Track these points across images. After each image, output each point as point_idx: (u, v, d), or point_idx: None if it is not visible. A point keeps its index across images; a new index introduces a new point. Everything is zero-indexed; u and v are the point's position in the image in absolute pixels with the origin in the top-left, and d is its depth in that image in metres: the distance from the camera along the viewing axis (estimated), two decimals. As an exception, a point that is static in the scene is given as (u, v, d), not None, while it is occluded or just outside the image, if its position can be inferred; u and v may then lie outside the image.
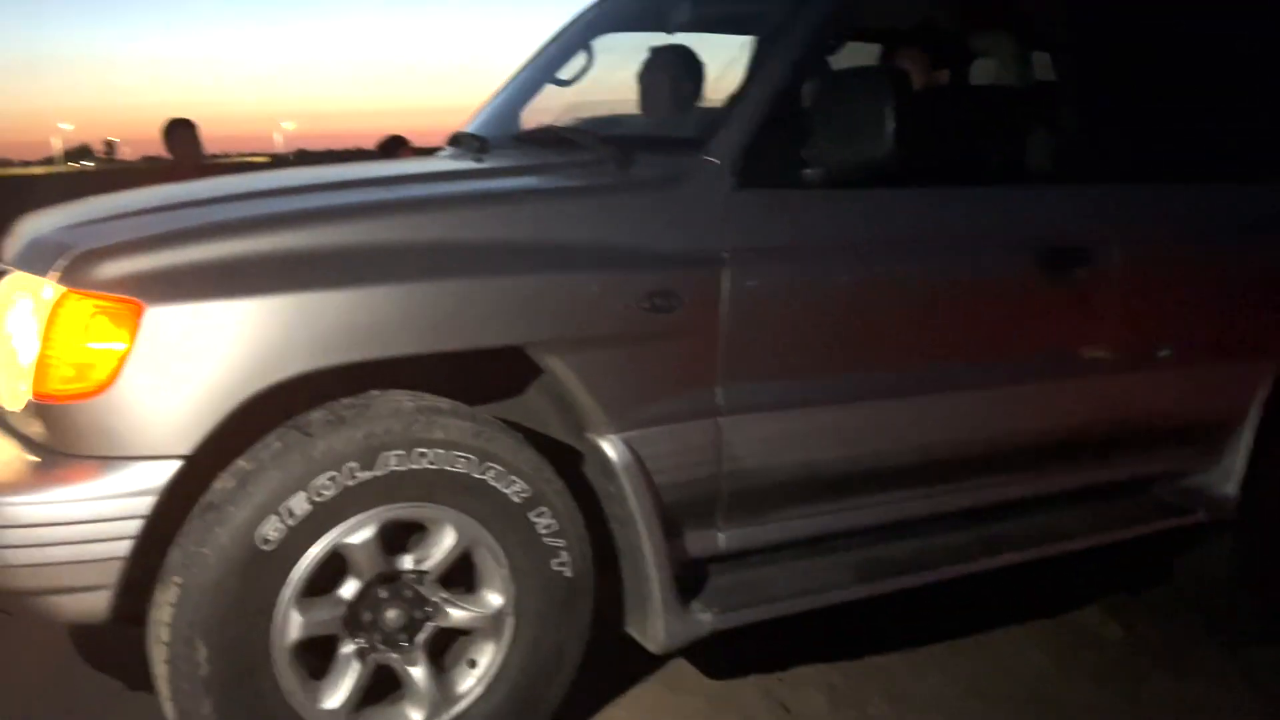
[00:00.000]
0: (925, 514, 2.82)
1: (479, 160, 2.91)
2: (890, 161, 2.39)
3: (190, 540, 2.06)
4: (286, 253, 2.08)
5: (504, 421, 2.37)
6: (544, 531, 2.29)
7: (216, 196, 2.56)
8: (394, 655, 2.27)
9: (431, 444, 2.16)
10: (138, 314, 1.96)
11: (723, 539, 2.56)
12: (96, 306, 1.98)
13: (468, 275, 2.18)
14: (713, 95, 2.96)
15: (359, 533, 2.15)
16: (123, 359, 1.97)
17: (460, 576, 2.32)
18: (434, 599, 2.28)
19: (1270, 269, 3.15)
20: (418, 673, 2.28)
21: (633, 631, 2.47)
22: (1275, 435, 3.17)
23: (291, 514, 2.07)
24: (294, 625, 2.13)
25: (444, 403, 2.24)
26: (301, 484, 2.07)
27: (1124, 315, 2.91)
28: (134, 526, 1.98)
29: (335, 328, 2.07)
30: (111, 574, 2.00)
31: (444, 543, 2.25)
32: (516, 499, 2.26)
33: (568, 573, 2.34)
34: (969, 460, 2.82)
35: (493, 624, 2.32)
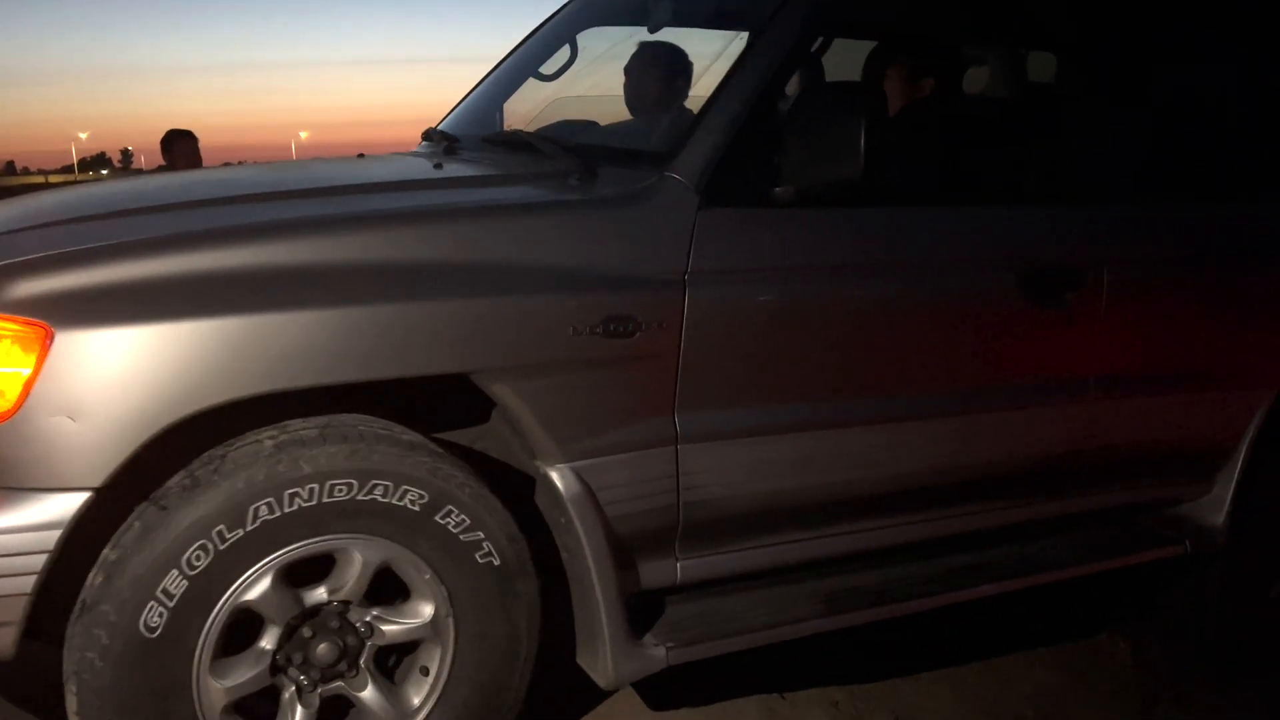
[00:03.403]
0: (897, 543, 2.71)
1: (438, 168, 2.78)
2: (865, 179, 2.26)
3: (75, 645, 1.96)
4: (209, 274, 1.96)
5: (448, 446, 2.27)
6: (457, 530, 2.18)
7: (149, 205, 2.45)
8: (339, 684, 2.21)
9: (301, 481, 2.03)
10: (46, 338, 1.86)
11: (681, 570, 2.46)
12: (1, 329, 1.87)
13: (406, 298, 2.06)
14: (702, 93, 2.83)
15: (254, 588, 2.05)
16: (29, 385, 1.86)
17: (400, 586, 2.23)
18: (365, 620, 2.21)
19: (1265, 293, 3.02)
20: (368, 694, 2.24)
21: (584, 665, 2.38)
22: (1268, 465, 3.05)
23: (169, 595, 1.96)
24: (216, 694, 2.05)
25: (310, 431, 2.10)
26: (171, 562, 1.95)
27: (1113, 340, 2.79)
28: (39, 562, 1.88)
29: (260, 354, 1.95)
30: (15, 611, 1.90)
31: (352, 569, 2.15)
32: (415, 507, 2.13)
33: (496, 561, 2.23)
34: (943, 489, 2.70)
35: (433, 629, 2.24)
